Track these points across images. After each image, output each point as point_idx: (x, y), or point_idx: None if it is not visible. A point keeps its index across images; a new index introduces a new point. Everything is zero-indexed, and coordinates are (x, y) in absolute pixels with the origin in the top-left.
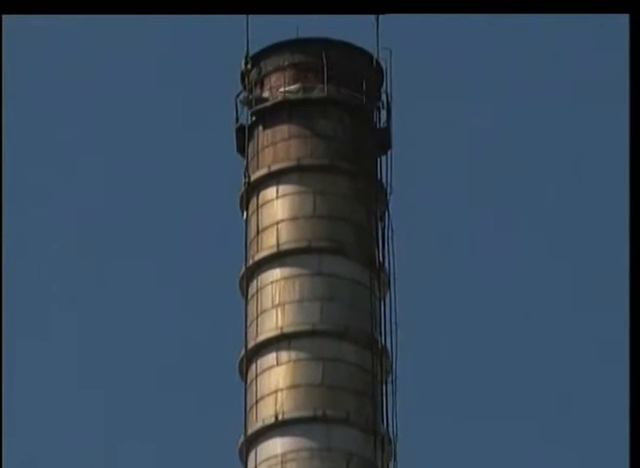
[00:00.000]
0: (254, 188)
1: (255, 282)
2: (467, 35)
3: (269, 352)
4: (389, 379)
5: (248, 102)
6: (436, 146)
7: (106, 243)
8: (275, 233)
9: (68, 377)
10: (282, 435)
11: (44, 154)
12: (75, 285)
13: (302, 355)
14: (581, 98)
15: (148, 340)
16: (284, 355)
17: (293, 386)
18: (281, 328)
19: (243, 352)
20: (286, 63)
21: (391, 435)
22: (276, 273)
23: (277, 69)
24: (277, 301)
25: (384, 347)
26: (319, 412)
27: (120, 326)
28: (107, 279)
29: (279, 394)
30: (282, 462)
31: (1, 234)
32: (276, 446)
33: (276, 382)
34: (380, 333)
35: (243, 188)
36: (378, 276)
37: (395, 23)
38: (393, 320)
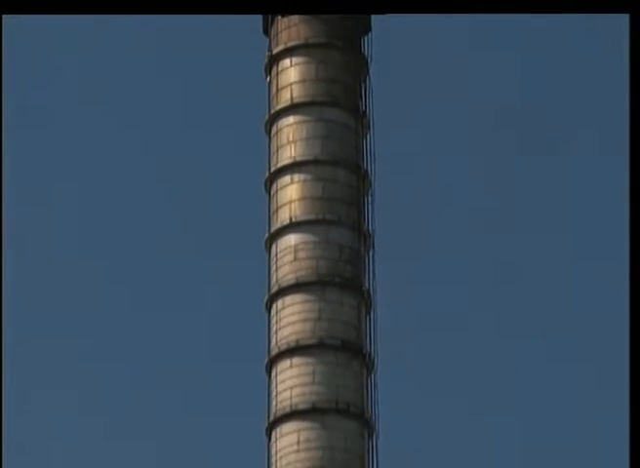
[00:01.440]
0: (274, 60)
1: (275, 125)
2: None
3: (286, 175)
4: (369, 193)
5: None
6: (411, 23)
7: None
8: (290, 92)
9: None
10: (294, 232)
11: (44, 154)
12: None
13: (309, 177)
14: (581, 96)
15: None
16: (296, 177)
17: (302, 198)
18: (294, 157)
19: (267, 174)
20: None
21: (370, 232)
22: (290, 119)
23: None
24: (291, 139)
25: (366, 171)
26: (320, 216)
27: None
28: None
29: (293, 204)
30: (294, 251)
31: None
32: (290, 239)
33: (290, 195)
34: (363, 160)
35: (267, 60)
36: (361, 121)
37: None
38: (372, 151)
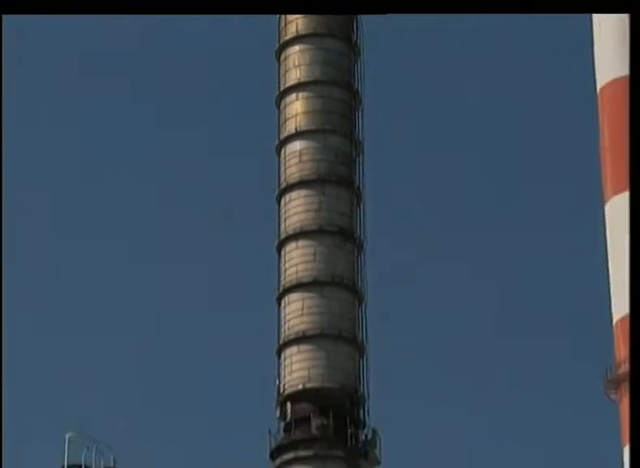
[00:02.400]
0: (287, 43)
1: (284, 53)
2: None
3: (292, 93)
4: (360, 108)
5: None
6: None
7: None
8: (295, 25)
9: None
10: (299, 139)
11: (44, 153)
12: None
13: (311, 95)
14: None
15: None
16: (300, 95)
17: (305, 112)
18: (299, 79)
19: (277, 93)
20: None
21: (360, 139)
22: (296, 48)
23: None
24: (296, 64)
25: (357, 90)
26: (320, 127)
27: None
28: None
29: (298, 116)
30: (299, 155)
31: None
32: (296, 145)
33: (296, 110)
34: (355, 81)
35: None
36: (353, 49)
37: None
38: (363, 74)
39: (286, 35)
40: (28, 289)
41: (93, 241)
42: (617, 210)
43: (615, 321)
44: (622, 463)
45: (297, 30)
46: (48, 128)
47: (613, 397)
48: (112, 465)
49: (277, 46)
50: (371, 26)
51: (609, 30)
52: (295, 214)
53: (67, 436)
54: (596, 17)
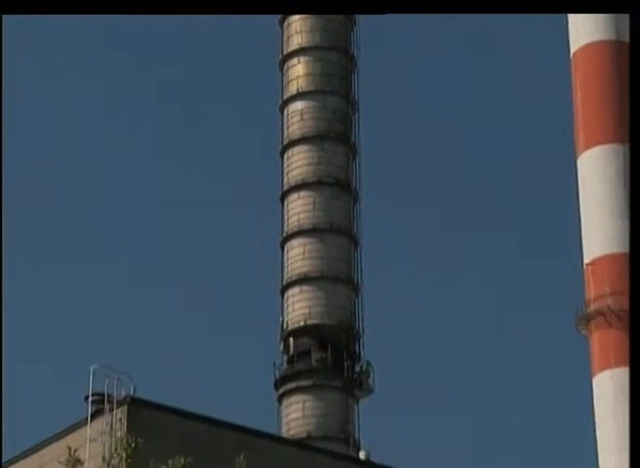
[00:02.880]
0: None
1: (287, 20)
2: None
3: (294, 57)
4: (355, 71)
5: None
6: None
7: None
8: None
9: None
10: (300, 99)
11: (44, 154)
12: None
13: (311, 58)
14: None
15: None
16: (301, 58)
17: (306, 74)
18: (300, 44)
19: (280, 57)
20: None
21: (356, 99)
22: (297, 16)
23: None
24: (298, 30)
25: (353, 55)
26: (319, 88)
27: None
28: None
29: (299, 78)
30: (301, 114)
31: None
32: (297, 105)
33: (297, 72)
34: (351, 46)
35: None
36: (349, 17)
37: None
38: (358, 39)
39: None
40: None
41: None
42: (587, 163)
43: (585, 263)
44: (591, 388)
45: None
46: (47, 127)
47: (583, 332)
48: (132, 393)
49: (280, 15)
50: None
51: None
52: (296, 167)
53: (92, 368)
54: None
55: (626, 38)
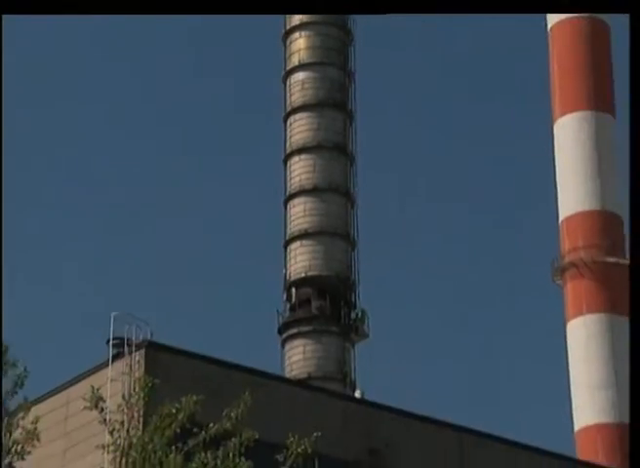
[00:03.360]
0: None
1: None
2: None
3: (295, 32)
4: (352, 44)
5: None
6: None
7: None
8: None
9: None
10: (302, 71)
11: (44, 153)
12: None
13: (311, 33)
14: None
15: None
16: (303, 33)
17: (307, 48)
18: (301, 19)
19: (283, 31)
20: None
21: (353, 70)
22: None
23: None
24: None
25: (350, 29)
26: (319, 60)
27: None
28: None
29: (300, 51)
30: (302, 83)
31: None
32: (299, 75)
33: (299, 45)
34: (348, 21)
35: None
36: None
37: None
38: (355, 18)
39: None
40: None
41: None
42: (563, 128)
43: (560, 220)
44: (565, 332)
45: None
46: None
47: (558, 282)
48: (149, 338)
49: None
50: None
51: None
52: (298, 132)
53: (112, 315)
54: None
55: (600, 16)
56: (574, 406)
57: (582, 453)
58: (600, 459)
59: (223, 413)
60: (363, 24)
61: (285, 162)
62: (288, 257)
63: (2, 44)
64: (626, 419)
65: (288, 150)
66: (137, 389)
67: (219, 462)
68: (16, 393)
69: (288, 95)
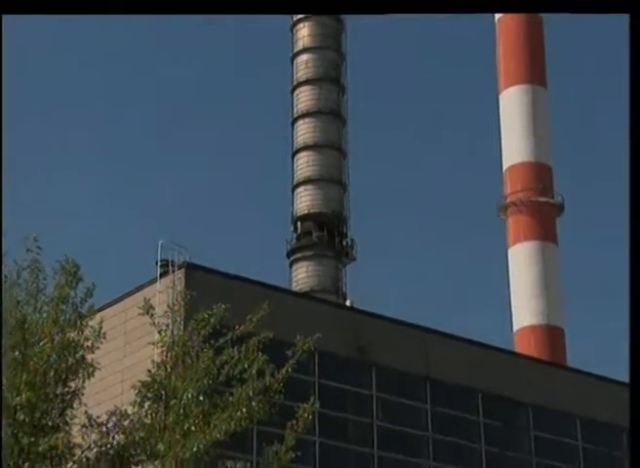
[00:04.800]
0: None
1: None
2: None
3: (301, 23)
4: (345, 32)
5: None
6: None
7: None
8: None
9: None
10: (306, 53)
11: (45, 153)
12: None
13: (313, 23)
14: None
15: None
16: (306, 24)
17: (309, 35)
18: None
19: (291, 22)
20: None
21: (346, 53)
22: None
23: None
24: None
25: (342, 20)
26: (319, 45)
27: None
28: None
29: (304, 38)
30: (306, 62)
31: None
32: (303, 57)
33: (303, 34)
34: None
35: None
36: None
37: None
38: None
39: None
40: None
41: None
42: (507, 97)
43: (504, 169)
44: (507, 256)
45: None
46: (48, 128)
47: (502, 217)
48: (188, 259)
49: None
50: None
51: None
52: (302, 101)
53: (160, 242)
54: None
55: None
56: (513, 311)
57: (519, 349)
58: (532, 353)
59: (246, 318)
60: (353, 17)
61: (292, 124)
62: (295, 199)
63: (2, 44)
64: (553, 322)
65: (295, 115)
66: (178, 299)
67: (242, 356)
68: (86, 301)
69: (295, 71)
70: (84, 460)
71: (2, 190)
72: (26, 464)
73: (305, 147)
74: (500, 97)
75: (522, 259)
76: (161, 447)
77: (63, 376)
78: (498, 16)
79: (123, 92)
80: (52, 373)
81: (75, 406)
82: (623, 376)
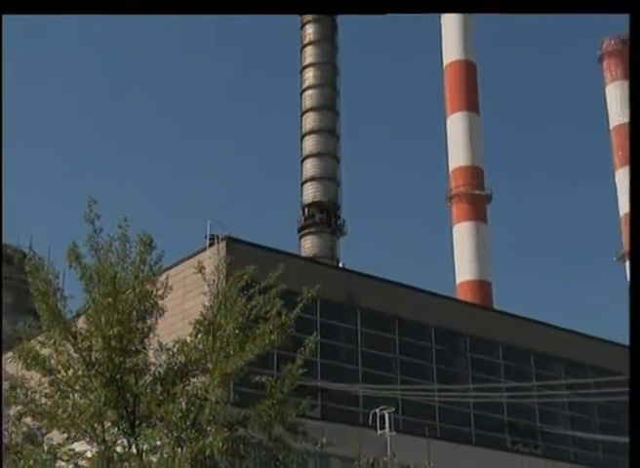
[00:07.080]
0: None
1: None
2: None
3: (308, 23)
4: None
5: None
6: None
7: None
8: None
9: None
10: (311, 45)
11: (45, 153)
12: None
13: (316, 17)
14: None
15: None
16: (311, 18)
17: (314, 32)
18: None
19: (300, 22)
20: None
21: (339, 44)
22: None
23: None
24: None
25: (336, 24)
26: (320, 37)
27: None
28: None
29: (310, 34)
30: (312, 47)
31: None
32: (308, 49)
33: (309, 31)
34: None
35: None
36: None
37: None
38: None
39: None
40: None
41: None
42: (453, 122)
43: (450, 170)
44: (452, 234)
45: None
46: (48, 128)
47: (449, 205)
48: (228, 234)
49: None
50: None
51: None
52: (307, 78)
53: (208, 222)
54: None
55: (473, 58)
56: (456, 270)
57: (460, 296)
58: (469, 299)
59: (268, 275)
60: (346, 18)
61: (302, 139)
62: (303, 191)
63: (2, 44)
64: (484, 278)
65: (304, 132)
66: (222, 262)
67: (265, 301)
68: (157, 263)
69: (303, 58)
70: (157, 374)
71: (2, 190)
72: (117, 376)
73: (311, 155)
74: (448, 120)
75: (463, 234)
76: (210, 365)
77: (143, 316)
78: (445, 60)
79: (161, 92)
80: (134, 314)
81: (150, 336)
82: (533, 315)
